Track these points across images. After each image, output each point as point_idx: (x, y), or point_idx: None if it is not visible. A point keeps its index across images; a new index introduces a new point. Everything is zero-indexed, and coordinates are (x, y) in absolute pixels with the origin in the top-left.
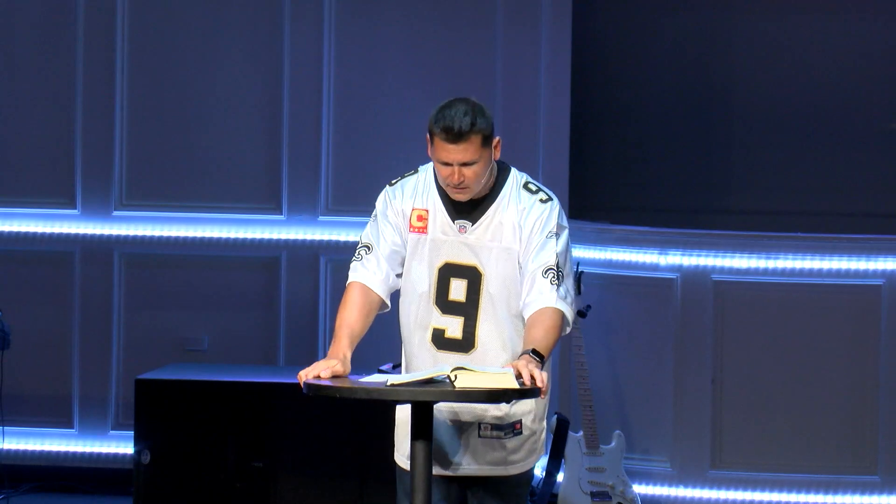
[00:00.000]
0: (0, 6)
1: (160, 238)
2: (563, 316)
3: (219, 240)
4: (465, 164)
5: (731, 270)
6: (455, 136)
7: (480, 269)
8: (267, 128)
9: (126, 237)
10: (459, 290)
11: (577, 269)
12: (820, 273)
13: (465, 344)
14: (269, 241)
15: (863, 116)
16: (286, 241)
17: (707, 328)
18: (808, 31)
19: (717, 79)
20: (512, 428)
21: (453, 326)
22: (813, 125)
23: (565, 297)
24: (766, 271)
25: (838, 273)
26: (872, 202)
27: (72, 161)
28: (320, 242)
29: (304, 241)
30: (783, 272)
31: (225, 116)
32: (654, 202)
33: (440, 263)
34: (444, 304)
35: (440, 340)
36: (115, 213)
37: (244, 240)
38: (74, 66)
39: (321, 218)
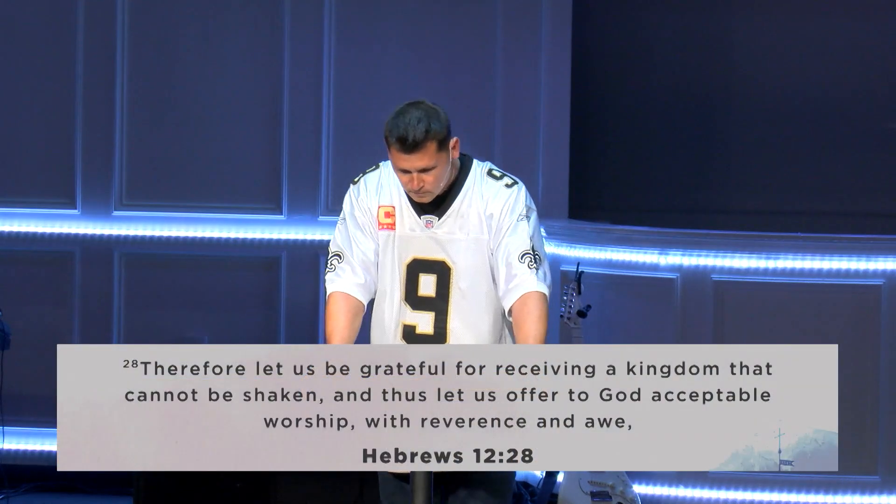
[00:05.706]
0: (0, 6)
1: (160, 238)
2: (546, 298)
3: (219, 240)
4: (423, 171)
5: (731, 270)
6: (410, 146)
7: (449, 262)
8: (267, 128)
9: (126, 237)
10: (429, 286)
11: (578, 269)
12: (820, 273)
13: (437, 339)
14: (269, 241)
15: (863, 116)
16: (286, 241)
17: (707, 328)
18: (808, 30)
19: (717, 79)
20: None
21: (424, 322)
22: (813, 125)
23: (545, 280)
24: (766, 271)
25: (838, 273)
26: (872, 202)
27: (72, 161)
28: (320, 242)
29: (304, 241)
30: (783, 272)
31: (225, 116)
32: (654, 202)
33: (408, 259)
34: (414, 300)
35: (411, 337)
36: (115, 213)
37: (244, 240)
38: (74, 66)
39: (321, 218)
